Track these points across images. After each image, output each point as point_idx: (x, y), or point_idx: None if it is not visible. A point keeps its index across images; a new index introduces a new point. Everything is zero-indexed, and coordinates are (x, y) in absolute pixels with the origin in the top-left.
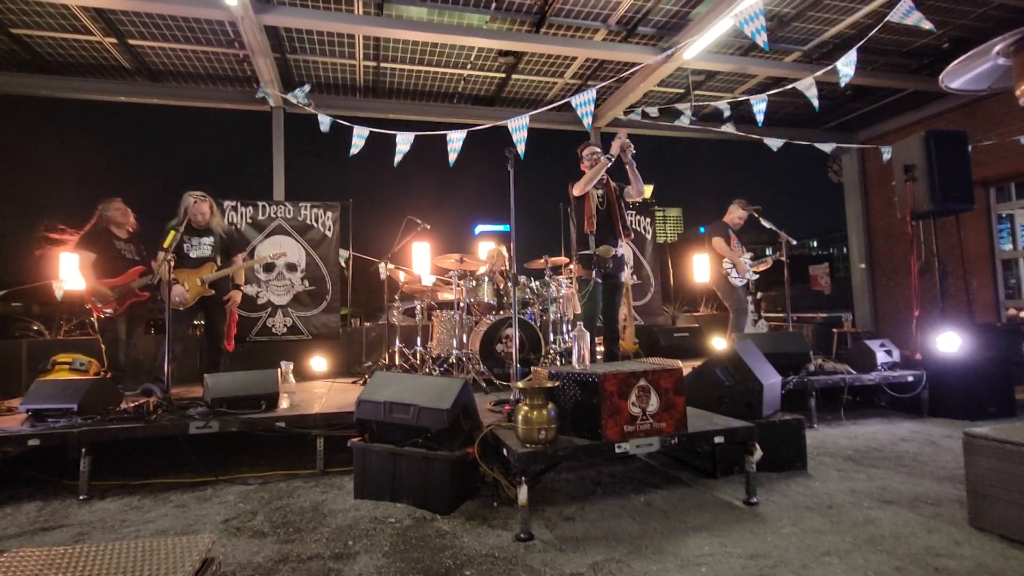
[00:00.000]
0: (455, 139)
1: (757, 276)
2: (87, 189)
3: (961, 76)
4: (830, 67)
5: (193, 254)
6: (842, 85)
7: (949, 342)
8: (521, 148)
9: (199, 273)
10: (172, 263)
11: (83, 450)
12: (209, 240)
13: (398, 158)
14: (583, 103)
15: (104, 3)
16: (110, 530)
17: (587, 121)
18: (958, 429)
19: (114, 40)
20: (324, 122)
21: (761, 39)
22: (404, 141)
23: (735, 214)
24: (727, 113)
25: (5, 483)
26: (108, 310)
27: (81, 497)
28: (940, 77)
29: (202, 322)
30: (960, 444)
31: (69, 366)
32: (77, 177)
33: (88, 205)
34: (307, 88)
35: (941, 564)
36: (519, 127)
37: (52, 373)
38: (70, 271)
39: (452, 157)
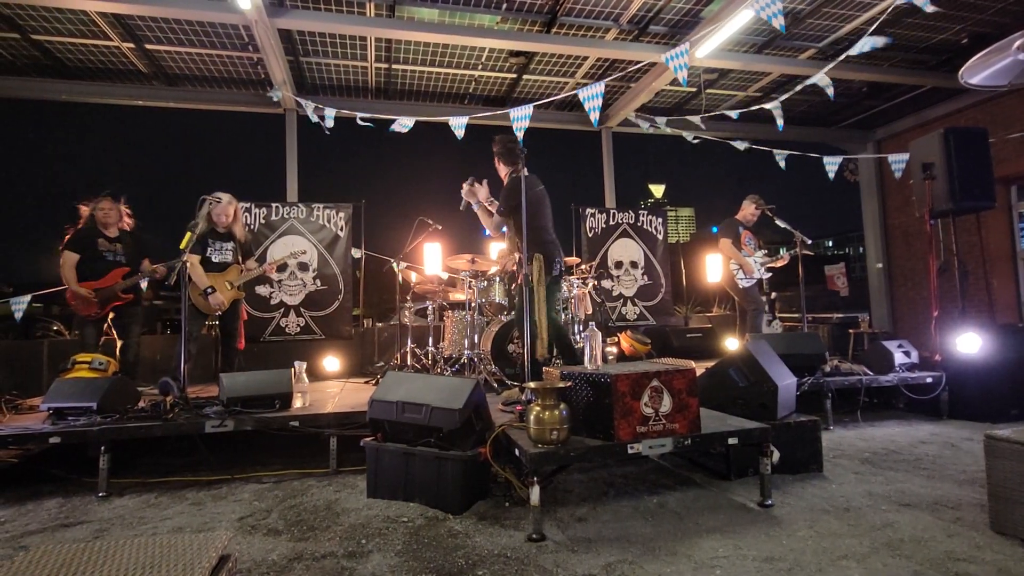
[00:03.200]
0: (457, 123)
1: (770, 275)
2: (104, 191)
3: (981, 72)
4: (853, 48)
5: (215, 258)
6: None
7: (969, 343)
8: (520, 135)
9: (226, 277)
10: (188, 263)
11: (102, 448)
12: (230, 245)
13: (401, 129)
14: (591, 96)
15: (122, 9)
16: (128, 527)
17: (594, 116)
18: (979, 432)
19: (131, 45)
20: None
21: (778, 22)
22: (403, 126)
23: (748, 210)
24: (737, 114)
25: (27, 480)
26: (89, 313)
27: (100, 494)
28: (959, 73)
29: (216, 322)
30: (981, 447)
31: (89, 365)
32: (94, 180)
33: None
34: (325, 119)
35: (961, 569)
36: (521, 116)
37: (72, 372)
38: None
39: (459, 133)
